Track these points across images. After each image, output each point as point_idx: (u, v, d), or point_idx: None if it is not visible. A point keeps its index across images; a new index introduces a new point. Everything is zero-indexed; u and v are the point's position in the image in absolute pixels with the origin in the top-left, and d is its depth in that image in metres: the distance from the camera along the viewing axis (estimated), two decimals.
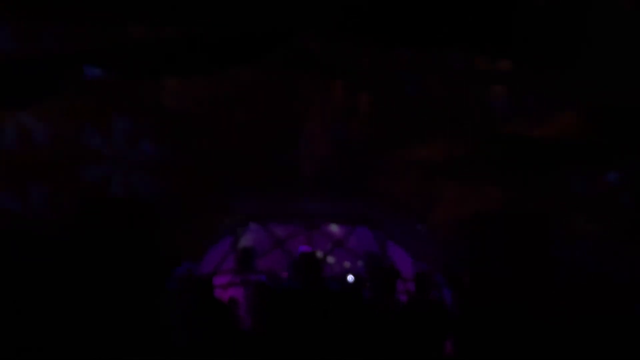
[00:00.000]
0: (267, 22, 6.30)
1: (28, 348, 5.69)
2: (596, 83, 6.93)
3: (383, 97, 8.74)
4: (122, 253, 6.04)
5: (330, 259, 9.73)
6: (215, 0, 6.04)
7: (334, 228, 9.94)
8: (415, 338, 6.61)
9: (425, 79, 8.59)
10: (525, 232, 7.02)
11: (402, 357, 6.51)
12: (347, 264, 9.94)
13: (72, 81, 6.36)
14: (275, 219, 9.69)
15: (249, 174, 8.80)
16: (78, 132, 7.42)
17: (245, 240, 9.65)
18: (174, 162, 8.44)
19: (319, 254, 9.80)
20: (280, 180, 8.78)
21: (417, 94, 8.73)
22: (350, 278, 9.54)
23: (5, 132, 7.35)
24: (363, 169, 8.96)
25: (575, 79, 7.27)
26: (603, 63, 6.35)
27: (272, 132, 8.50)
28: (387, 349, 6.55)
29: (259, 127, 8.52)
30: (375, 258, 9.57)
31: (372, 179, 9.02)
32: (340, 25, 6.56)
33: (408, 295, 8.08)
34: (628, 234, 7.24)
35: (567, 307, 6.21)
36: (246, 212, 9.33)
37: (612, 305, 6.13)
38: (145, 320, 6.01)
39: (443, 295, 9.29)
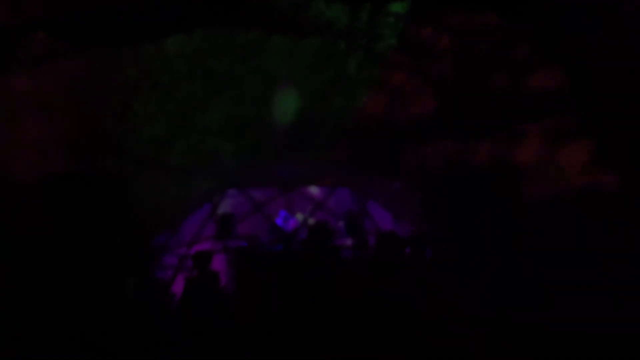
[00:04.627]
0: None
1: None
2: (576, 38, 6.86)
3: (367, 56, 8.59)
4: (93, 227, 5.90)
5: (311, 221, 9.64)
6: None
7: (314, 190, 9.84)
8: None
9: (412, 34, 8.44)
10: (501, 188, 6.96)
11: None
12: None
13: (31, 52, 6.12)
14: (253, 183, 9.58)
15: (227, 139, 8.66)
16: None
17: (224, 206, 9.55)
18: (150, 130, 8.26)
19: (300, 216, 9.77)
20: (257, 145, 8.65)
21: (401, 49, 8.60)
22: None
23: None
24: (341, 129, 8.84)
25: (558, 34, 7.18)
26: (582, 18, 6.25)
27: (242, 95, 8.33)
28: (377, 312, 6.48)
29: (230, 90, 8.34)
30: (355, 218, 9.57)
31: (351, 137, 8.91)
32: None
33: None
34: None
35: (538, 262, 6.19)
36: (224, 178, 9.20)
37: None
38: (120, 295, 5.92)
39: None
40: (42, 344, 5.22)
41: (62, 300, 5.55)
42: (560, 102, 8.01)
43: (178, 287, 8.02)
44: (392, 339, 5.03)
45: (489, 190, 6.82)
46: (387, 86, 8.83)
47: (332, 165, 9.28)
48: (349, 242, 9.48)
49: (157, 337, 6.27)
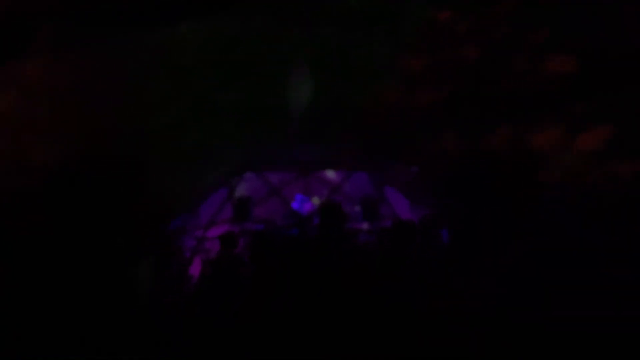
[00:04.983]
0: None
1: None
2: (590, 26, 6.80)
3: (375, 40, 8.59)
4: (111, 207, 6.03)
5: None
6: None
7: (330, 174, 9.90)
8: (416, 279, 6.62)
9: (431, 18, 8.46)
10: (516, 172, 7.01)
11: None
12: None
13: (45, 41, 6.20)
14: (270, 167, 9.66)
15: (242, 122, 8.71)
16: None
17: (241, 190, 9.66)
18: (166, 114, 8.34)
19: (317, 200, 9.85)
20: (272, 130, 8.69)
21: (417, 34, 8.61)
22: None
23: None
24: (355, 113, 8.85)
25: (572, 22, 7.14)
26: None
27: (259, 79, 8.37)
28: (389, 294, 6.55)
29: (246, 74, 8.39)
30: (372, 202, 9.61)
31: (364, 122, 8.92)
32: None
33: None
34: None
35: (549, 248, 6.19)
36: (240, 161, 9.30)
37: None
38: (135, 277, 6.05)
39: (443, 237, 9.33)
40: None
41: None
42: (577, 89, 7.96)
43: (195, 269, 8.19)
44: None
45: (500, 183, 6.85)
46: (404, 72, 8.80)
47: (349, 150, 9.31)
48: (365, 226, 9.56)
49: (173, 323, 6.42)
